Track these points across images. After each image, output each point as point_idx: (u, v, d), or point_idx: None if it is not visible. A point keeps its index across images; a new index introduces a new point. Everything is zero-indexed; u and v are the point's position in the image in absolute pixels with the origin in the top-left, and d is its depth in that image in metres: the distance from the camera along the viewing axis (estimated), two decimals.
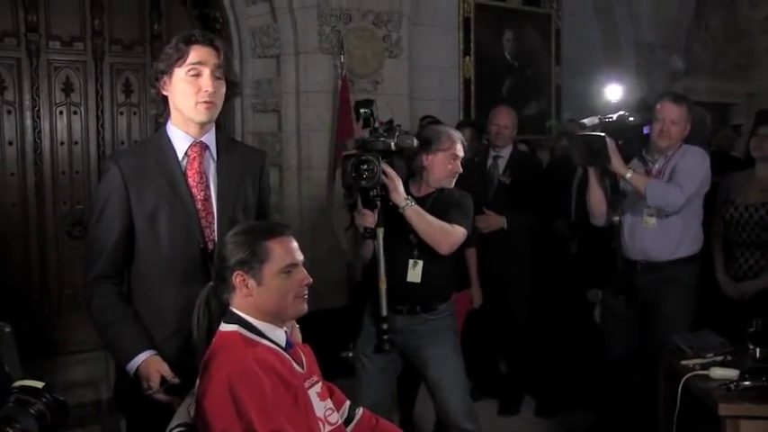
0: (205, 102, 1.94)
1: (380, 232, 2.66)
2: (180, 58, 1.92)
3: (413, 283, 2.76)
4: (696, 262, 3.21)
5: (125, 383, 1.99)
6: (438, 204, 2.79)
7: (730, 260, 3.38)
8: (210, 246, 1.97)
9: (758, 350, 2.60)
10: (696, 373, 2.53)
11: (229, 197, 2.03)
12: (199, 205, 1.99)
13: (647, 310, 3.15)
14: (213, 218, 2.01)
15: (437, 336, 2.79)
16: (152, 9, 4.78)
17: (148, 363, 1.90)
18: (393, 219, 2.67)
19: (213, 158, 2.05)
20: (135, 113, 4.80)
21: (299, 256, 1.81)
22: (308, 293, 1.83)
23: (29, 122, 4.48)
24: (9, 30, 4.42)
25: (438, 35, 5.44)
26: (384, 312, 2.69)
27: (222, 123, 4.96)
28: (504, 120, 4.13)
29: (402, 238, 2.74)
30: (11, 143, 4.45)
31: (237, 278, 1.75)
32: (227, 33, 4.78)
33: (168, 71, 1.95)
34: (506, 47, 5.84)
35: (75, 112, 4.66)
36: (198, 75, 1.92)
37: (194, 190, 2.00)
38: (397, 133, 2.67)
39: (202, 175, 2.01)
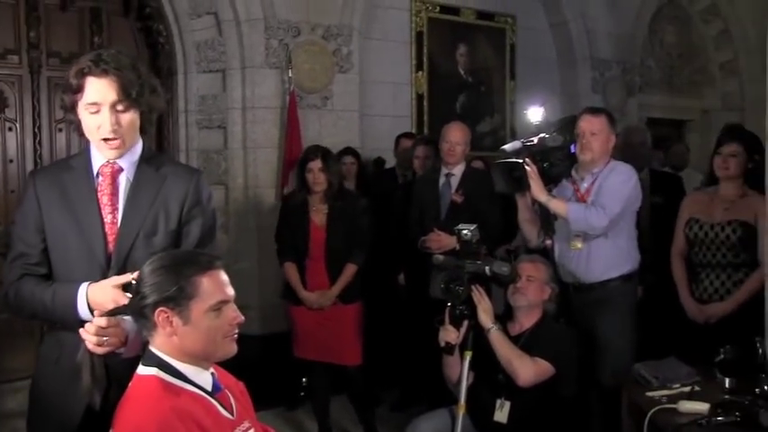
0: (106, 139, 1.83)
1: (468, 356, 2.69)
2: (77, 92, 1.81)
3: (500, 423, 2.73)
4: (631, 282, 3.15)
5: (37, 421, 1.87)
6: (529, 341, 2.79)
7: (695, 282, 3.25)
8: (113, 272, 1.85)
9: (727, 380, 2.46)
10: (663, 406, 2.36)
11: (134, 223, 1.90)
12: (107, 229, 1.88)
13: (583, 333, 3.09)
14: None
15: None
16: (92, 21, 4.59)
17: (93, 290, 1.78)
18: (483, 353, 2.70)
19: (129, 180, 1.93)
20: (75, 130, 4.60)
21: (231, 292, 1.66)
22: (240, 327, 1.68)
23: None
24: None
25: (390, 50, 5.36)
26: None
27: (166, 140, 4.84)
28: (456, 136, 3.97)
29: (491, 375, 2.75)
30: None
31: (160, 316, 1.58)
32: (170, 47, 4.64)
33: (72, 102, 1.83)
34: (460, 62, 5.76)
35: (10, 129, 4.45)
36: (97, 111, 1.81)
37: (103, 212, 1.89)
38: (495, 259, 2.74)
39: (114, 197, 1.91)
